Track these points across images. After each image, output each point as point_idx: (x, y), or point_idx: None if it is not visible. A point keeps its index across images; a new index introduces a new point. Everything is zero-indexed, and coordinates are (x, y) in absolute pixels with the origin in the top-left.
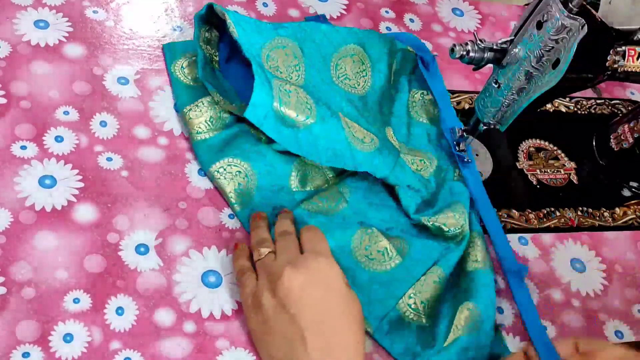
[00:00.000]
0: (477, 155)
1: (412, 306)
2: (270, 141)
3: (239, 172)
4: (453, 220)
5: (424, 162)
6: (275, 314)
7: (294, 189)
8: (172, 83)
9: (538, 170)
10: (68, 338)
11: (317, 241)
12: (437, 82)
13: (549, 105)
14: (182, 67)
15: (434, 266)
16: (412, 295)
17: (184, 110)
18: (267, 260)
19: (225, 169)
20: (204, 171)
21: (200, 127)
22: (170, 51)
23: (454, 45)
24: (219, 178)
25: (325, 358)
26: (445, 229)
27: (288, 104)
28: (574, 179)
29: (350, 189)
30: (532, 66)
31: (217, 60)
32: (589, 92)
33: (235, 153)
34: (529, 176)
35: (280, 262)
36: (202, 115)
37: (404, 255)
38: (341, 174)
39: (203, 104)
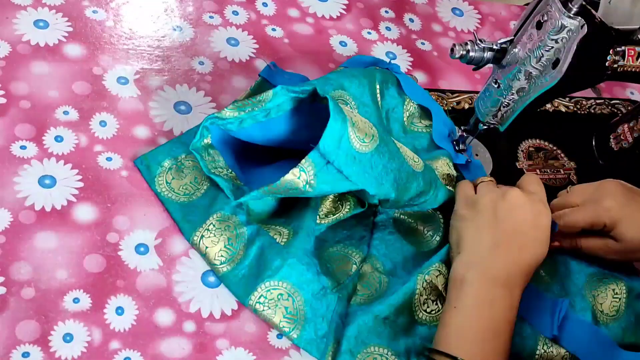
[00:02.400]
0: (477, 155)
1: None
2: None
3: (281, 294)
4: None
5: (449, 176)
6: (486, 214)
7: (331, 286)
8: (166, 206)
9: (538, 170)
10: (68, 338)
11: (538, 187)
12: (416, 88)
13: (548, 105)
14: (167, 182)
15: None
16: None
17: (194, 238)
18: (492, 184)
19: (266, 297)
20: (243, 304)
21: (221, 257)
22: (145, 167)
23: (454, 45)
24: (263, 310)
25: (487, 262)
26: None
27: (357, 126)
28: (574, 179)
29: (380, 258)
30: (532, 66)
31: (235, 176)
32: (588, 92)
33: (270, 274)
34: None
35: (506, 186)
36: (219, 242)
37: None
38: (361, 244)
39: (213, 225)
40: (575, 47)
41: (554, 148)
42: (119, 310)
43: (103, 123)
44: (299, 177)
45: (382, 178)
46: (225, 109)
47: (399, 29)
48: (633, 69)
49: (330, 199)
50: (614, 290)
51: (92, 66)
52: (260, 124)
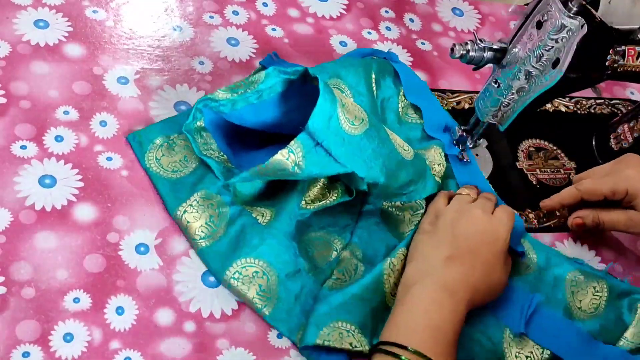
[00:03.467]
0: (477, 155)
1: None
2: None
3: (256, 272)
4: None
5: (440, 166)
6: (444, 228)
7: (308, 269)
8: (153, 181)
9: (538, 170)
10: (68, 338)
11: (504, 215)
12: (412, 78)
13: (549, 105)
14: (156, 159)
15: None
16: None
17: (177, 213)
18: (465, 198)
19: (241, 274)
20: (218, 280)
21: (202, 232)
22: (137, 143)
23: (454, 45)
24: (237, 285)
25: (446, 277)
26: None
27: (347, 107)
28: (574, 178)
29: (361, 246)
30: (532, 66)
31: (227, 159)
32: (588, 92)
33: (247, 251)
34: (529, 176)
35: (475, 204)
36: (201, 217)
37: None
38: (344, 232)
39: (197, 202)
40: (575, 47)
41: (554, 148)
42: (119, 310)
43: (103, 123)
44: (288, 159)
45: (371, 161)
46: (218, 90)
47: (399, 29)
48: (633, 69)
49: (318, 186)
50: (594, 287)
51: (92, 66)
52: (252, 106)
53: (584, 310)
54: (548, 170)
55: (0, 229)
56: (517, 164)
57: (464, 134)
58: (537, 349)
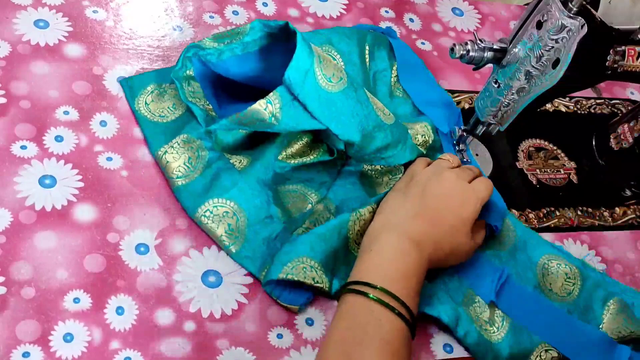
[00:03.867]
0: (477, 155)
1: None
2: (248, 165)
3: (227, 212)
4: None
5: (424, 136)
6: (416, 187)
7: (280, 217)
8: (139, 123)
9: (538, 170)
10: (68, 338)
11: (483, 187)
12: (409, 54)
13: (549, 105)
14: (145, 103)
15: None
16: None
17: (158, 153)
18: (444, 163)
19: (212, 212)
20: (190, 216)
21: (179, 171)
22: (129, 87)
23: (454, 45)
24: (207, 223)
25: (412, 229)
26: None
27: (325, 64)
28: (574, 178)
29: (335, 201)
30: (532, 66)
31: (212, 108)
32: (588, 92)
33: (219, 192)
34: (529, 176)
35: (451, 169)
36: (180, 158)
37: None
38: (321, 188)
39: (178, 144)
40: (575, 47)
41: (554, 148)
42: (119, 310)
43: (103, 123)
44: (265, 109)
45: (346, 120)
46: (205, 39)
47: (399, 29)
48: (633, 69)
49: (300, 143)
50: (566, 274)
51: (93, 66)
52: (237, 58)
53: (556, 293)
54: (548, 170)
55: (0, 229)
56: (517, 164)
57: (464, 134)
58: (499, 316)
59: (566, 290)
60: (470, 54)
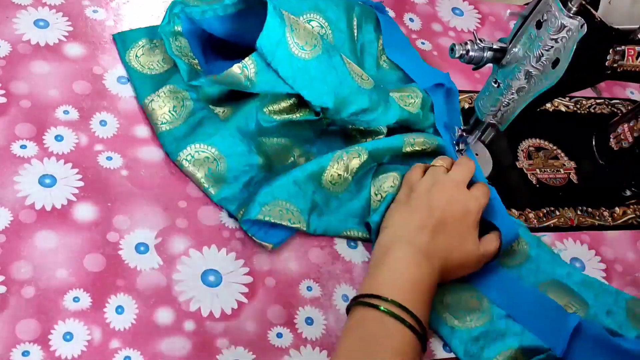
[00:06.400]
0: (476, 154)
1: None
2: (233, 114)
3: (207, 157)
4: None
5: (411, 97)
6: (418, 199)
7: (261, 165)
8: (129, 74)
9: (538, 170)
10: (68, 337)
11: (480, 192)
12: (395, 30)
13: (548, 105)
14: (136, 56)
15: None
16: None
17: (145, 101)
18: (440, 170)
19: (193, 157)
20: (172, 161)
21: (164, 118)
22: (121, 41)
23: (454, 44)
24: (188, 166)
25: (418, 243)
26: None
27: (298, 32)
28: (574, 178)
29: (316, 156)
30: (532, 65)
31: (197, 63)
32: (588, 92)
33: (201, 138)
34: (529, 176)
35: (450, 175)
36: (165, 105)
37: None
38: (305, 143)
39: (164, 93)
40: (575, 47)
41: (554, 148)
42: (119, 309)
43: (103, 122)
44: (241, 73)
45: (319, 86)
46: None
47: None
48: (633, 69)
49: (288, 102)
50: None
51: (93, 66)
52: (219, 18)
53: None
54: (548, 170)
55: (0, 228)
56: (517, 163)
57: (464, 133)
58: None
59: (520, 259)
60: (470, 53)
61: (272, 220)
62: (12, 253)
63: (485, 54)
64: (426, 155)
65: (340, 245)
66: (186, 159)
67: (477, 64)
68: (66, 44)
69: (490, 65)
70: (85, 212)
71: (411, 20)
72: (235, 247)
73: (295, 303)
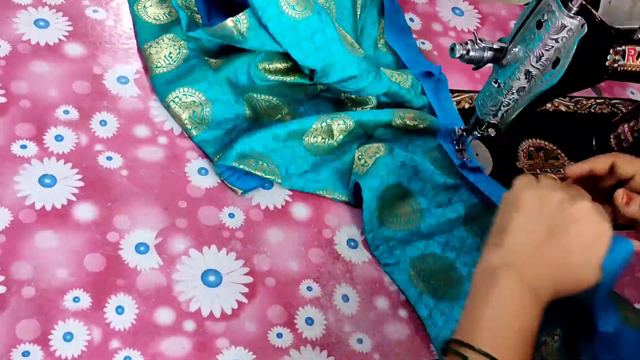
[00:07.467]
0: (476, 154)
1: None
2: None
3: (194, 101)
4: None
5: (402, 76)
6: (546, 215)
7: (247, 118)
8: (134, 21)
9: (538, 170)
10: (68, 337)
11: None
12: (399, 16)
13: (549, 105)
14: (144, 7)
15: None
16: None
17: (145, 46)
18: (574, 190)
19: (180, 99)
20: (160, 101)
21: (159, 62)
22: None
23: (454, 44)
24: (174, 107)
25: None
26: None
27: None
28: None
29: (305, 116)
30: (532, 65)
31: (200, 17)
32: (589, 92)
33: (189, 82)
34: None
35: (587, 198)
36: (162, 51)
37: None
38: (294, 104)
39: (164, 40)
40: (575, 47)
41: (554, 148)
42: (119, 310)
43: (103, 122)
44: (234, 27)
45: (307, 46)
46: None
47: None
48: (633, 69)
49: (284, 65)
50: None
51: (93, 65)
52: None
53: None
54: (548, 170)
55: (1, 228)
56: (517, 163)
57: (464, 133)
58: None
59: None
60: (470, 53)
61: (247, 169)
62: (12, 253)
63: (485, 54)
64: (416, 133)
65: (341, 245)
66: (173, 101)
67: (477, 63)
68: (66, 44)
69: (490, 65)
70: (85, 212)
71: (411, 20)
72: (235, 247)
73: (295, 303)
